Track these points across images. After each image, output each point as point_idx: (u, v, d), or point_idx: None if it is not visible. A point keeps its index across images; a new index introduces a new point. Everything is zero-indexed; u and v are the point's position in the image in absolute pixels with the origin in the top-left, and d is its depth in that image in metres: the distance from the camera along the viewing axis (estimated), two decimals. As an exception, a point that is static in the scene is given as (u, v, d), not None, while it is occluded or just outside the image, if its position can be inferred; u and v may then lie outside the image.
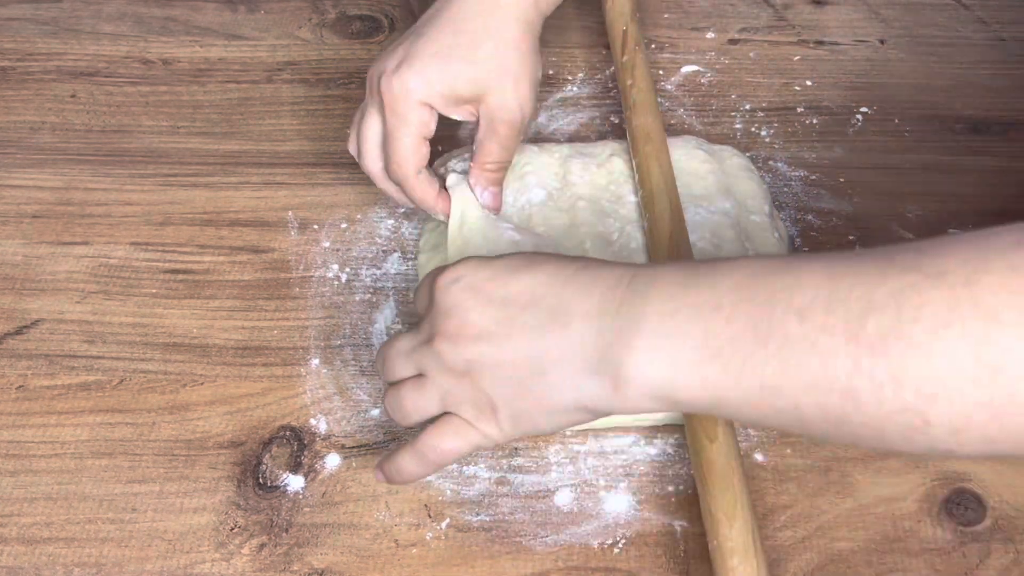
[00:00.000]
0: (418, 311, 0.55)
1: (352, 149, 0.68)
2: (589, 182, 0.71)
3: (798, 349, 0.42)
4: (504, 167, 0.67)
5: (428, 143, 0.66)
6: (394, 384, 0.54)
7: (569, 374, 0.48)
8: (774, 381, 0.43)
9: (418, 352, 0.52)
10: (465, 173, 0.68)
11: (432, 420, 0.53)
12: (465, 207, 0.67)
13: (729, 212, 0.69)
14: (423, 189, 0.66)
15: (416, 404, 0.53)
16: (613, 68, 0.84)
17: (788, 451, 0.61)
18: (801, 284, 0.44)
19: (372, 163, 0.67)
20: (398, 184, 0.67)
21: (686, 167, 0.71)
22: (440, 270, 0.53)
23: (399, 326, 0.67)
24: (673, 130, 0.79)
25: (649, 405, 0.47)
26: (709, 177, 0.71)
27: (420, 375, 0.53)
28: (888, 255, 0.43)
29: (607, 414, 0.49)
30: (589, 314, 0.48)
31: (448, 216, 0.67)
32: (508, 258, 0.52)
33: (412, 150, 0.65)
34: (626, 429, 0.62)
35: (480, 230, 0.66)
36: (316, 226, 0.73)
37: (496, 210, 0.68)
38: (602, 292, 0.48)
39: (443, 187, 0.68)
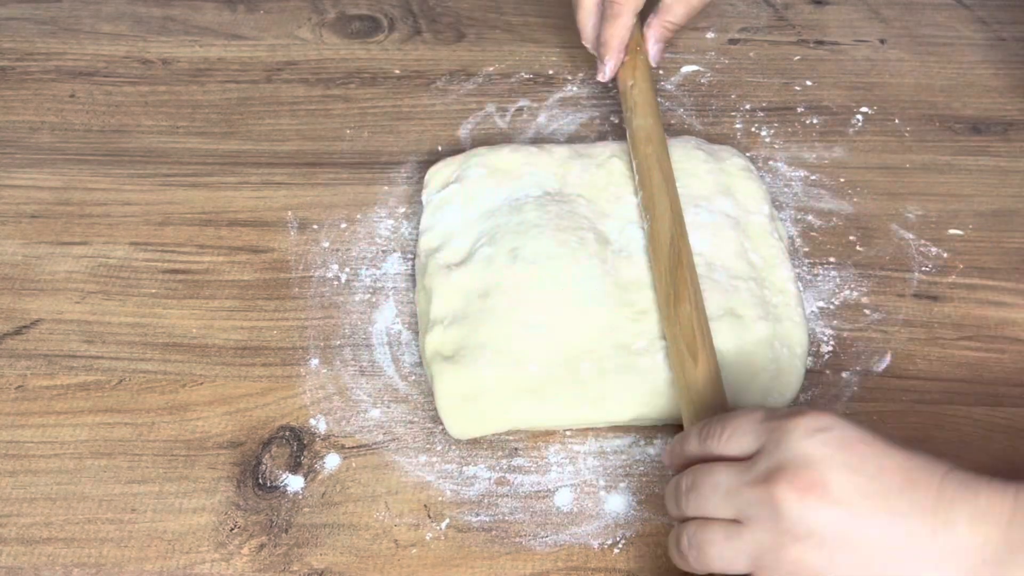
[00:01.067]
0: (719, 443, 0.49)
1: None
2: (589, 183, 0.71)
3: None
4: (677, 29, 0.77)
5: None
6: (700, 521, 0.48)
7: None
8: None
9: (745, 494, 0.46)
10: (457, 181, 0.70)
11: None
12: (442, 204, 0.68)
13: (729, 212, 0.68)
14: (622, 35, 0.75)
15: (723, 554, 0.46)
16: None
17: (788, 451, 0.61)
18: None
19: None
20: (608, 18, 0.74)
21: (686, 167, 0.71)
22: (788, 413, 0.47)
23: (399, 326, 0.67)
24: (673, 130, 0.79)
25: None
26: (708, 177, 0.70)
27: (736, 521, 0.46)
28: None
29: None
30: (976, 518, 0.43)
31: (612, 68, 0.76)
32: (871, 430, 0.46)
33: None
34: (626, 429, 0.62)
35: (451, 251, 0.67)
36: (315, 226, 0.73)
37: (655, 62, 0.77)
38: (989, 498, 0.43)
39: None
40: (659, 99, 0.81)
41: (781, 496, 0.45)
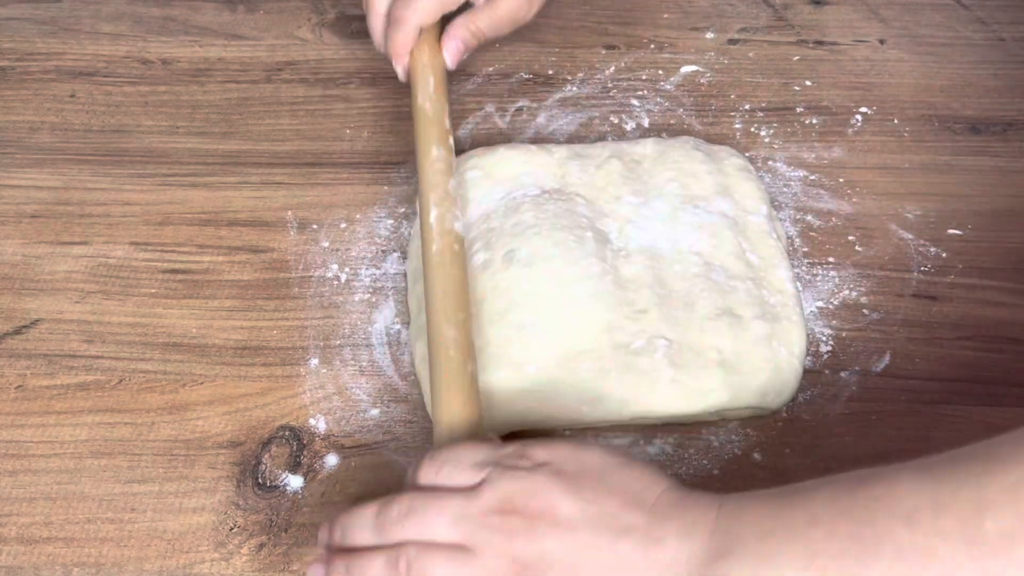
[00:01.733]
0: (435, 478, 0.50)
1: None
2: (587, 183, 0.70)
3: (913, 559, 0.41)
4: (480, 39, 0.75)
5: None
6: (422, 545, 0.48)
7: None
8: None
9: (475, 521, 0.47)
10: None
11: None
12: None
13: (727, 212, 0.68)
14: (405, 40, 0.73)
15: None
16: (612, 68, 0.84)
17: (787, 451, 0.61)
18: (897, 490, 0.42)
19: (379, 3, 0.75)
20: (393, 23, 0.73)
21: (684, 167, 0.71)
22: (512, 447, 0.50)
23: (398, 326, 0.67)
24: (672, 130, 0.79)
25: None
26: (707, 178, 0.70)
27: (461, 547, 0.47)
28: (986, 452, 0.42)
29: None
30: (683, 533, 0.46)
31: (402, 71, 0.74)
32: (602, 452, 0.50)
33: (431, 8, 0.73)
34: (626, 429, 0.62)
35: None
36: (315, 226, 0.73)
37: (452, 64, 0.74)
38: (695, 513, 0.47)
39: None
40: (659, 99, 0.81)
41: (512, 524, 0.47)
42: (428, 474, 0.51)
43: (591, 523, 0.47)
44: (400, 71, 0.74)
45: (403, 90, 0.83)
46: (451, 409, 0.56)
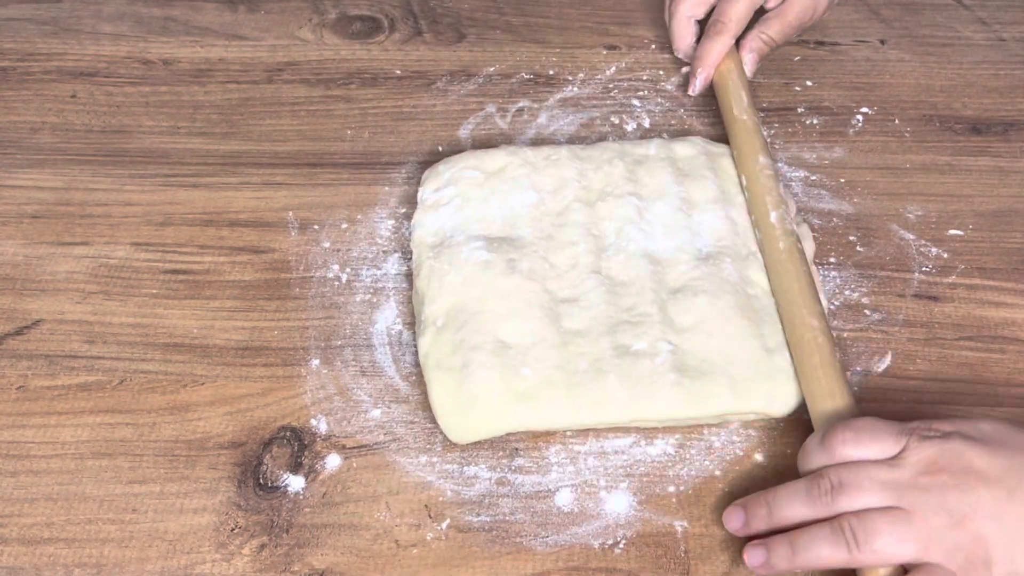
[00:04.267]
0: (854, 449, 0.54)
1: None
2: (586, 184, 0.70)
3: None
4: (772, 47, 0.81)
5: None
6: (860, 513, 0.52)
7: None
8: None
9: (902, 486, 0.52)
10: (452, 184, 0.70)
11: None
12: (426, 232, 0.68)
13: (735, 217, 0.68)
14: (721, 50, 0.79)
15: (891, 540, 0.51)
16: (613, 68, 0.84)
17: (789, 452, 0.61)
18: None
19: (688, 8, 0.81)
20: (712, 34, 0.78)
21: (696, 170, 0.71)
22: (916, 422, 0.54)
23: (399, 327, 0.67)
24: (673, 130, 0.79)
25: None
26: (714, 182, 0.70)
27: (898, 508, 0.51)
28: None
29: None
30: None
31: (703, 81, 0.79)
32: (994, 421, 0.54)
33: (745, 13, 0.79)
34: (626, 429, 0.62)
35: (448, 252, 0.66)
36: (316, 226, 0.73)
37: (751, 73, 0.80)
38: None
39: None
40: (659, 99, 0.82)
41: (943, 482, 0.51)
42: (846, 441, 0.54)
43: (1011, 474, 0.51)
44: (702, 80, 0.79)
45: (404, 91, 0.83)
46: (831, 387, 0.58)
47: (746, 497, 0.56)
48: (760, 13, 0.81)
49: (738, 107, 0.75)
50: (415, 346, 0.66)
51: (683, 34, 0.81)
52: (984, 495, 0.50)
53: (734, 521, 0.55)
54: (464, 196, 0.70)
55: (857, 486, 0.52)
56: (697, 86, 0.79)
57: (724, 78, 0.78)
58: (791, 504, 0.54)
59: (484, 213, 0.69)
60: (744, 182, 0.70)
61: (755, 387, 0.60)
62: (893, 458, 0.53)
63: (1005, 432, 0.53)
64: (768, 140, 0.78)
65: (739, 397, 0.60)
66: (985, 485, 0.51)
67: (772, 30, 0.80)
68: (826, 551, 0.52)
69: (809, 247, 0.68)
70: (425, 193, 0.71)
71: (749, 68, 0.80)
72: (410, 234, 0.70)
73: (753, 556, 0.54)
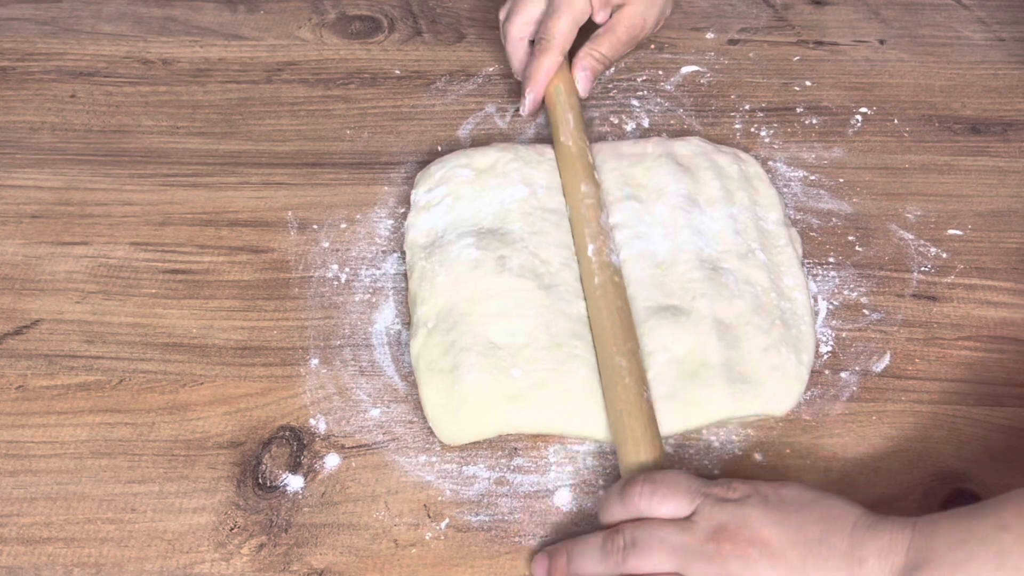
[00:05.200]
0: (649, 504, 0.54)
1: (502, 15, 0.80)
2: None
3: None
4: (605, 64, 0.79)
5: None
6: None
7: None
8: None
9: (691, 550, 0.51)
10: (444, 183, 0.70)
11: None
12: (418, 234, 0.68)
13: (738, 216, 0.68)
14: (550, 67, 0.76)
15: None
16: (612, 68, 0.84)
17: (787, 451, 0.61)
18: None
19: (517, 29, 0.78)
20: (538, 52, 0.76)
21: (693, 170, 0.71)
22: (717, 481, 0.54)
23: (398, 326, 0.67)
24: (672, 130, 0.79)
25: None
26: (717, 181, 0.70)
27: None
28: None
29: None
30: (882, 553, 0.49)
31: (532, 100, 0.77)
32: (798, 486, 0.53)
33: (569, 28, 0.76)
34: (625, 429, 0.62)
35: (439, 252, 0.66)
36: (315, 226, 0.73)
37: (584, 92, 0.77)
38: (892, 534, 0.50)
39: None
40: (659, 99, 0.81)
41: (727, 551, 0.50)
42: (643, 495, 0.54)
43: (798, 548, 0.50)
44: (531, 100, 0.77)
45: (403, 90, 0.83)
46: (635, 435, 0.57)
47: (553, 546, 0.56)
48: (593, 29, 0.79)
49: (564, 132, 0.73)
50: (414, 346, 0.66)
51: (516, 55, 0.79)
52: (765, 570, 0.50)
53: (538, 570, 0.55)
54: (455, 195, 0.70)
55: (647, 548, 0.52)
56: (526, 106, 0.77)
57: (552, 100, 0.76)
58: (587, 558, 0.54)
59: (475, 210, 0.69)
60: (568, 212, 0.69)
61: (755, 388, 0.60)
62: (686, 519, 0.53)
63: (804, 500, 0.52)
64: (768, 140, 0.78)
65: (739, 400, 0.60)
66: (769, 558, 0.50)
67: (603, 47, 0.78)
68: None
69: (797, 250, 0.68)
70: (417, 195, 0.71)
71: (582, 87, 0.77)
72: (404, 236, 0.70)
73: None
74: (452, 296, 0.64)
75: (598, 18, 0.79)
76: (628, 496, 0.54)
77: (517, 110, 0.80)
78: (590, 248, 0.65)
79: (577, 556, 0.54)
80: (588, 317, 0.63)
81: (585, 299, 0.64)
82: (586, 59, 0.78)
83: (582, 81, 0.77)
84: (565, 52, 0.77)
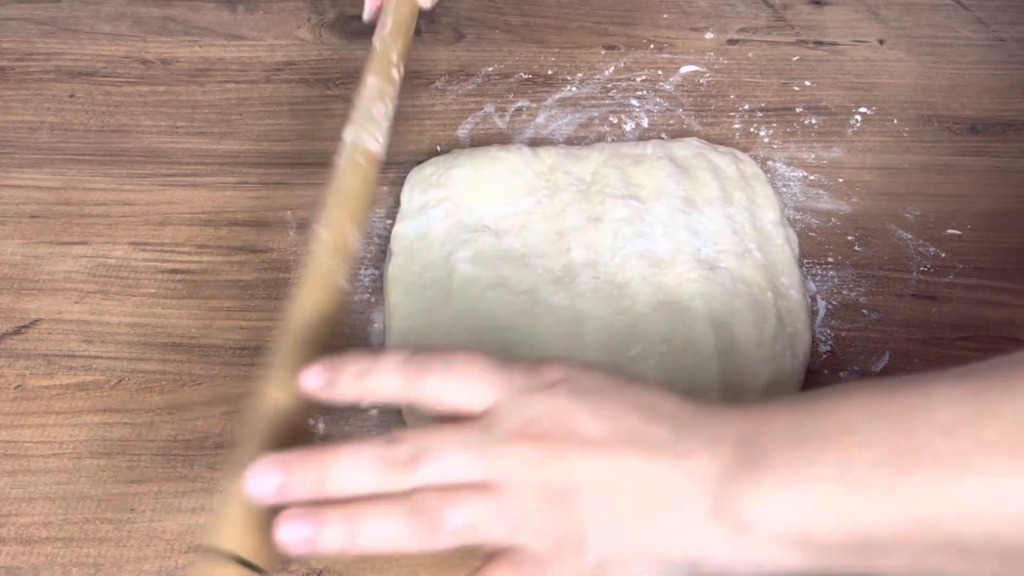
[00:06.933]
0: (439, 381, 0.45)
1: None
2: (578, 188, 0.70)
3: (952, 469, 0.39)
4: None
5: None
6: (438, 488, 0.43)
7: (685, 518, 0.42)
8: (929, 510, 0.39)
9: (495, 455, 0.43)
10: (439, 187, 0.70)
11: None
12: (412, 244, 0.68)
13: (735, 216, 0.68)
14: None
15: (477, 520, 0.43)
16: (612, 68, 0.84)
17: (787, 451, 0.61)
18: (935, 399, 0.40)
19: None
20: None
21: (691, 170, 0.71)
22: (520, 365, 0.46)
23: (398, 326, 0.67)
24: (672, 130, 0.79)
25: (778, 554, 0.41)
26: (714, 181, 0.70)
27: (485, 485, 0.43)
28: None
29: (722, 572, 0.43)
30: (709, 444, 0.43)
31: (368, 7, 0.74)
32: (604, 369, 0.47)
33: None
34: (625, 429, 0.62)
35: (431, 266, 0.66)
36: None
37: (427, 2, 0.75)
38: (719, 424, 0.44)
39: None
40: (658, 99, 0.81)
41: (542, 451, 0.43)
42: (434, 369, 0.46)
43: (620, 442, 0.43)
44: (369, 3, 0.74)
45: (402, 90, 0.83)
46: (307, 307, 0.52)
47: (286, 454, 0.45)
48: None
49: (377, 36, 0.70)
50: (413, 346, 0.65)
51: None
52: (586, 468, 0.43)
53: (263, 487, 0.44)
54: (451, 201, 0.69)
55: (437, 455, 0.43)
56: (367, 11, 0.75)
57: (385, 5, 0.73)
58: (355, 472, 0.44)
59: (470, 220, 0.68)
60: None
61: (752, 384, 0.60)
62: (486, 413, 0.44)
63: (615, 386, 0.45)
64: (767, 140, 0.78)
65: (736, 395, 0.60)
66: (589, 456, 0.43)
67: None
68: (396, 534, 0.43)
69: (794, 249, 0.68)
70: (411, 197, 0.70)
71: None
72: (389, 242, 0.69)
73: (292, 531, 0.43)
74: (441, 313, 0.63)
75: None
76: (417, 366, 0.45)
77: (517, 110, 0.80)
78: (349, 132, 0.63)
79: (340, 471, 0.44)
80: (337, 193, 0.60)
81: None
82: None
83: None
84: None
